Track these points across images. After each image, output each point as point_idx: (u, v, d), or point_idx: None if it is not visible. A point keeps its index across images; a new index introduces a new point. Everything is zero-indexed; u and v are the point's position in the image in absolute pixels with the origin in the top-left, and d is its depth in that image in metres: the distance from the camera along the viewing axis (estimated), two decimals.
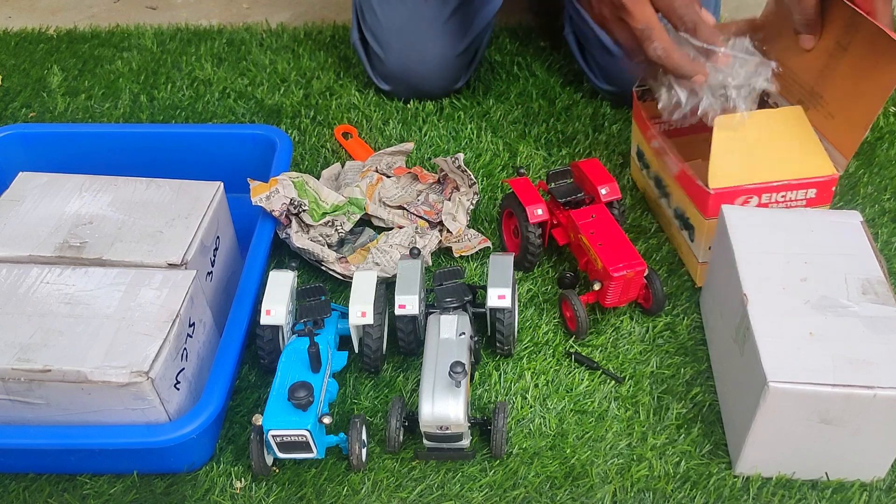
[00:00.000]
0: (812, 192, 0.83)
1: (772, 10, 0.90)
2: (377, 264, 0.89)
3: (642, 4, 0.82)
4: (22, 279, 0.74)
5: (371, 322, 0.78)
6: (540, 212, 0.87)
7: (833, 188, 0.83)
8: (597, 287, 0.84)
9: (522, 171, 0.92)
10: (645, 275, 0.84)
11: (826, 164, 0.83)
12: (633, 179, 1.03)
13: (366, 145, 1.10)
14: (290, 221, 0.90)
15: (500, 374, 0.82)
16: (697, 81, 0.83)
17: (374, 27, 1.13)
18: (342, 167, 1.04)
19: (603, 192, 0.88)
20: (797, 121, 0.84)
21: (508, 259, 0.82)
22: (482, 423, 0.75)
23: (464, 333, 0.76)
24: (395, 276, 0.84)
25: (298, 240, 0.90)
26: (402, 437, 0.74)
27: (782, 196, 0.83)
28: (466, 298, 0.80)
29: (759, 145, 0.83)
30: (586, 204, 0.90)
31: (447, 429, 0.71)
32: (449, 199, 0.96)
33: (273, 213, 0.88)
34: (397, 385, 0.82)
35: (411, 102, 1.17)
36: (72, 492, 0.73)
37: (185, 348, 0.72)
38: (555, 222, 0.91)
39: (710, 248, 0.86)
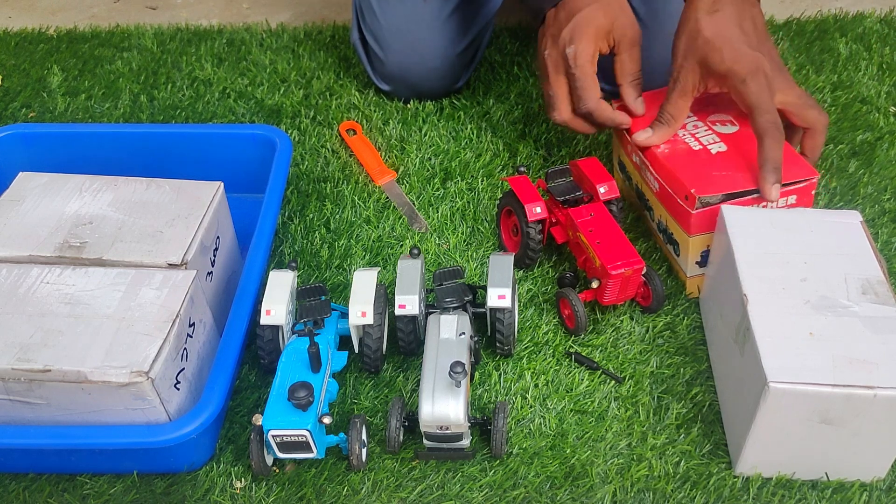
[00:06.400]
0: (793, 199, 0.83)
1: None
2: None
3: (556, 74, 0.91)
4: (22, 279, 0.74)
5: (371, 322, 0.78)
6: (539, 210, 0.87)
7: (812, 192, 0.84)
8: (595, 285, 0.84)
9: (523, 168, 0.92)
10: (643, 273, 0.84)
11: (804, 168, 0.83)
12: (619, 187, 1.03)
13: (370, 143, 1.10)
14: None
15: (500, 374, 0.82)
16: (623, 124, 0.91)
17: (374, 27, 1.13)
18: None
19: (602, 190, 0.88)
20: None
21: (508, 259, 0.82)
22: (482, 423, 0.75)
23: (464, 333, 0.76)
24: None
25: None
26: (402, 437, 0.74)
27: (763, 206, 0.83)
28: (466, 298, 0.80)
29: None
30: (585, 202, 0.90)
31: (447, 429, 0.71)
32: None
33: None
34: (397, 385, 0.82)
35: (411, 102, 1.17)
36: (72, 492, 0.73)
37: (185, 348, 0.72)
38: (553, 220, 0.91)
39: (697, 263, 0.86)
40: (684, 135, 0.89)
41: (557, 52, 0.90)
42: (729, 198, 0.82)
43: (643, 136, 0.87)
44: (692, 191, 0.81)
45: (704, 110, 0.91)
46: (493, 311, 0.80)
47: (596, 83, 0.90)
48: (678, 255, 0.88)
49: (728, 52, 0.82)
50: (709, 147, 0.86)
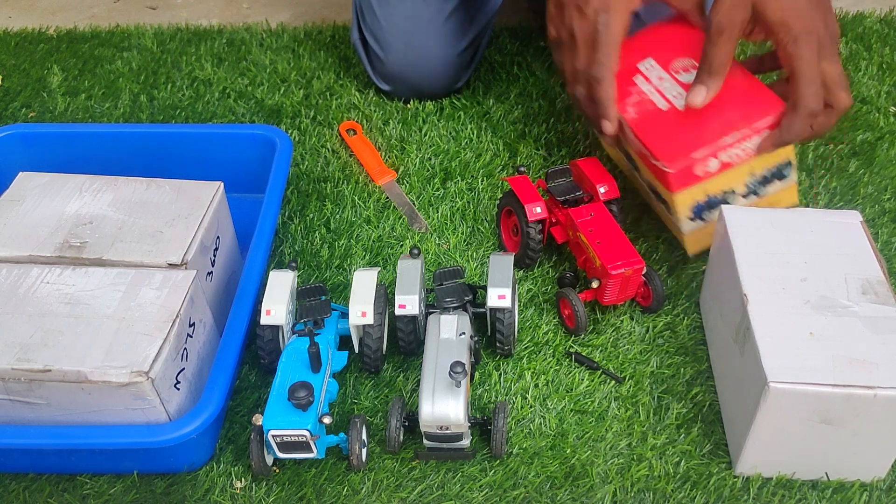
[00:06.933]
0: (755, 140, 0.80)
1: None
2: None
3: (586, 48, 0.85)
4: (22, 279, 0.74)
5: (371, 322, 0.78)
6: (539, 210, 0.87)
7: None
8: (595, 285, 0.84)
9: (523, 168, 0.92)
10: (643, 273, 0.84)
11: (772, 102, 0.80)
12: (606, 150, 1.01)
13: (370, 143, 1.10)
14: None
15: (500, 374, 0.82)
16: (609, 117, 0.85)
17: (374, 27, 1.13)
18: None
19: (602, 190, 0.88)
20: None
21: (508, 259, 0.82)
22: (482, 423, 0.75)
23: (464, 333, 0.76)
24: None
25: None
26: (402, 437, 0.74)
27: (742, 149, 0.80)
28: (466, 298, 0.80)
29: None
30: (585, 202, 0.90)
31: (447, 429, 0.71)
32: None
33: None
34: (397, 385, 0.82)
35: (411, 102, 1.17)
36: (72, 492, 0.73)
37: (185, 348, 0.72)
38: (553, 220, 0.91)
39: (689, 219, 0.84)
40: (650, 91, 0.86)
41: (588, 22, 0.85)
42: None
43: (699, 98, 0.81)
44: (662, 164, 0.80)
45: (666, 55, 0.88)
46: (493, 311, 0.80)
47: (619, 57, 0.85)
48: (670, 213, 0.86)
49: (787, 2, 0.77)
50: (674, 102, 0.84)
